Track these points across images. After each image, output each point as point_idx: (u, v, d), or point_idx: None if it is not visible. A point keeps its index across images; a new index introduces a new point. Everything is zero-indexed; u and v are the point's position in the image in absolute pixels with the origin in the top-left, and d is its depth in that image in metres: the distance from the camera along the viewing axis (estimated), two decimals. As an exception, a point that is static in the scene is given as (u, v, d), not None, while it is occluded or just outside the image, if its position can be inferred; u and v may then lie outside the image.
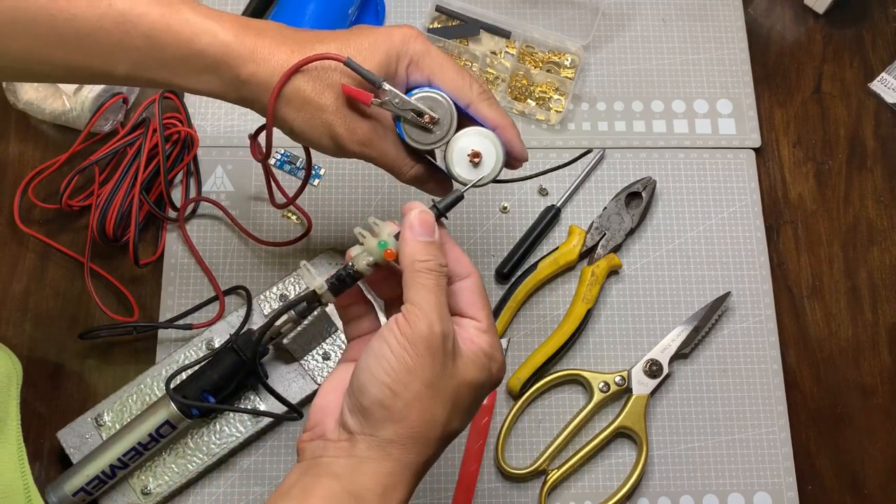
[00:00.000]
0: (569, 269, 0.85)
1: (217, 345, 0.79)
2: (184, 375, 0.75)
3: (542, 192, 0.87)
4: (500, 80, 0.90)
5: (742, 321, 0.84)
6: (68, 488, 0.72)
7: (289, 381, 0.78)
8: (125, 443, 0.73)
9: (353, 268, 0.57)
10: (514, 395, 0.81)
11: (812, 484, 0.80)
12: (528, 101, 0.89)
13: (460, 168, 0.63)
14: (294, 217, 0.85)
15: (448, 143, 0.63)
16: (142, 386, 0.77)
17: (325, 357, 0.79)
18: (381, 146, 0.63)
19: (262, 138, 0.68)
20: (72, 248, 0.82)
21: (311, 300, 0.59)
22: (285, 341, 0.77)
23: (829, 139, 0.91)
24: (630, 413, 0.79)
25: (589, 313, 0.82)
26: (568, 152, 0.88)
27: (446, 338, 0.54)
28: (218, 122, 0.88)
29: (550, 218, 0.85)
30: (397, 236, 0.57)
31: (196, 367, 0.75)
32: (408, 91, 0.63)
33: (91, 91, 0.83)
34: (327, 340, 0.79)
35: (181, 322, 0.80)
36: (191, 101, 0.87)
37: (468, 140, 0.62)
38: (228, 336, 0.78)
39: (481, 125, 0.63)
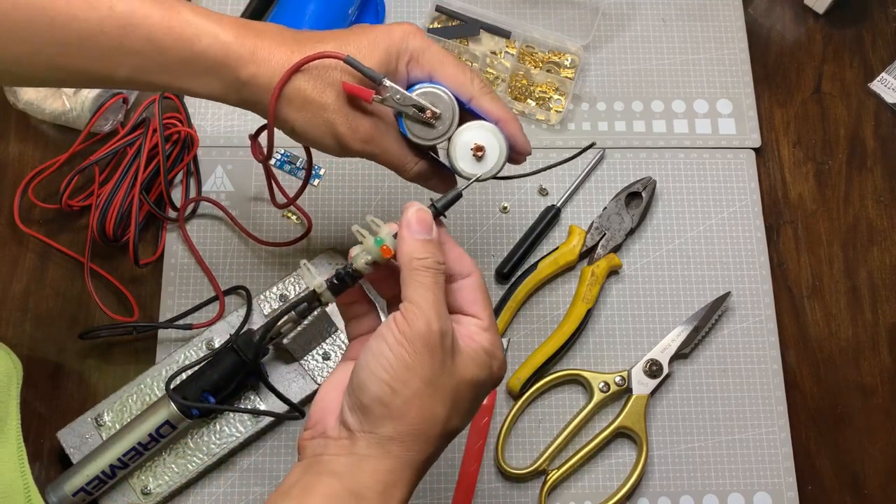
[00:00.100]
0: (569, 269, 0.85)
1: (217, 345, 0.79)
2: (184, 376, 0.75)
3: (542, 192, 0.87)
4: (500, 80, 0.90)
5: (742, 321, 0.84)
6: (68, 488, 0.72)
7: (289, 381, 0.78)
8: (125, 443, 0.73)
9: (352, 266, 0.57)
10: (514, 395, 0.81)
11: (812, 484, 0.80)
12: (528, 101, 0.89)
13: (464, 163, 0.63)
14: (294, 217, 0.85)
15: (451, 138, 0.63)
16: (142, 386, 0.77)
17: (325, 357, 0.79)
18: (384, 143, 0.63)
19: (262, 139, 0.68)
20: (72, 248, 0.82)
21: (312, 300, 0.59)
22: (285, 341, 0.77)
23: (829, 139, 0.91)
24: (630, 413, 0.79)
25: (589, 313, 0.82)
26: (568, 152, 0.88)
27: (444, 335, 0.54)
28: (218, 122, 0.88)
29: (550, 218, 0.85)
30: (396, 235, 0.57)
31: (196, 368, 0.75)
32: (409, 87, 0.62)
33: (91, 91, 0.83)
34: (327, 340, 0.79)
35: (181, 322, 0.80)
36: (191, 100, 0.87)
37: (471, 134, 0.62)
38: (228, 336, 0.78)
39: (483, 120, 0.63)
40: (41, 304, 0.82)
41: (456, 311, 0.58)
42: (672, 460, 0.80)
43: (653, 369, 0.81)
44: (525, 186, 0.87)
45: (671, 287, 0.85)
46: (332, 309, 0.79)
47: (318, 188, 0.86)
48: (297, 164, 0.86)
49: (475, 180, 0.62)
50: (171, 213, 0.83)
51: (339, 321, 0.80)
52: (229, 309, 0.81)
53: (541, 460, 0.78)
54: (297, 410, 0.67)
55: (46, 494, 0.72)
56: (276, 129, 0.64)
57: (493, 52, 0.91)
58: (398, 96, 0.61)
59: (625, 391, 0.81)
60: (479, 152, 0.62)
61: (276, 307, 0.80)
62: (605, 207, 0.86)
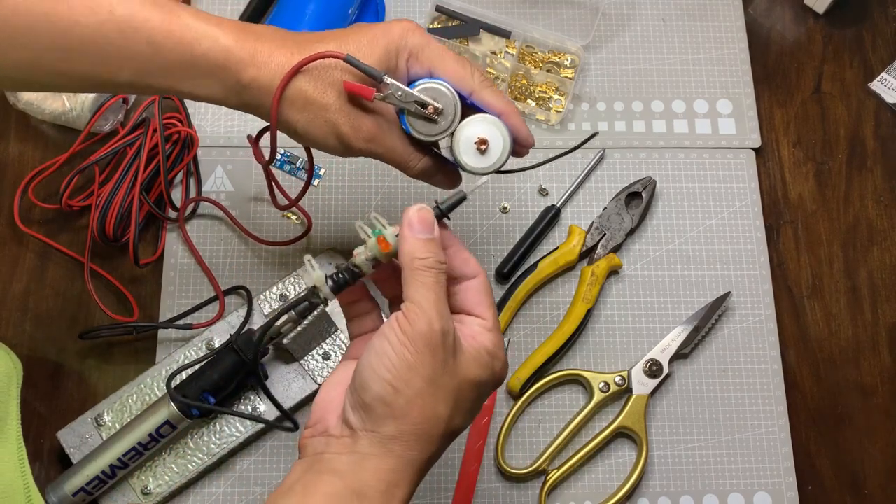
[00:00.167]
0: (569, 269, 0.85)
1: (217, 345, 0.79)
2: (184, 375, 0.75)
3: (542, 192, 0.87)
4: (500, 80, 0.90)
5: (742, 321, 0.84)
6: (68, 488, 0.72)
7: (289, 381, 0.78)
8: (125, 443, 0.73)
9: (352, 263, 0.57)
10: (514, 395, 0.81)
11: (812, 484, 0.80)
12: (528, 101, 0.89)
13: (468, 157, 0.63)
14: (294, 217, 0.85)
15: (453, 133, 0.63)
16: (142, 386, 0.77)
17: (325, 357, 0.79)
18: (387, 141, 0.63)
19: (263, 141, 0.68)
20: (72, 248, 0.82)
21: (312, 295, 0.58)
22: (285, 341, 0.77)
23: (829, 139, 0.91)
24: (630, 413, 0.79)
25: (589, 313, 0.82)
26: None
27: (446, 335, 0.54)
28: (218, 122, 0.88)
29: (550, 218, 0.85)
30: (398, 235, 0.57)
31: (196, 367, 0.75)
32: (409, 84, 0.62)
33: (91, 91, 0.83)
34: (327, 340, 0.79)
35: (181, 322, 0.80)
36: (191, 101, 0.87)
37: (474, 128, 0.62)
38: (228, 336, 0.78)
39: (485, 113, 0.63)
40: (41, 304, 0.82)
41: (460, 311, 0.58)
42: (672, 460, 0.80)
43: (653, 369, 0.81)
44: (525, 186, 0.87)
45: (671, 287, 0.85)
46: (332, 309, 0.79)
47: (318, 188, 0.86)
48: (297, 164, 0.86)
49: (483, 172, 0.62)
50: (171, 213, 0.83)
51: (340, 321, 0.80)
52: (229, 309, 0.81)
53: (541, 460, 0.78)
54: (290, 420, 0.67)
55: (46, 494, 0.72)
56: (278, 131, 0.64)
57: (493, 52, 0.91)
58: (399, 93, 0.61)
59: (625, 391, 0.81)
60: (482, 146, 0.62)
61: (276, 307, 0.80)
62: (605, 207, 0.86)
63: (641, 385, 0.80)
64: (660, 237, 0.86)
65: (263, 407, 0.77)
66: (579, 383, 0.82)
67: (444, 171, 0.67)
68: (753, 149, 0.90)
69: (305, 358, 0.79)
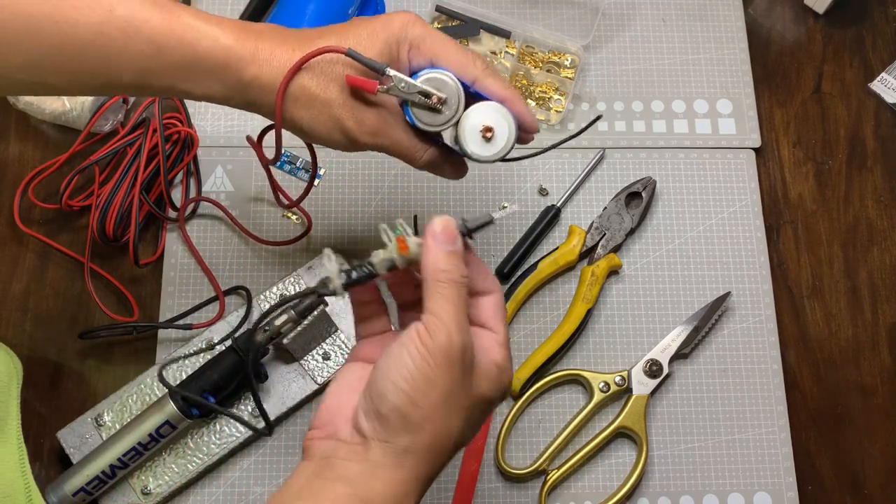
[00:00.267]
0: (569, 269, 0.85)
1: (219, 347, 0.79)
2: (183, 374, 0.75)
3: (542, 192, 0.87)
4: (500, 80, 0.90)
5: (742, 321, 0.84)
6: (68, 488, 0.72)
7: (289, 381, 0.78)
8: (125, 443, 0.73)
9: (368, 262, 0.56)
10: (514, 395, 0.81)
11: (812, 484, 0.80)
12: (528, 101, 0.89)
13: (474, 145, 0.63)
14: (294, 217, 0.85)
15: (458, 122, 0.62)
16: (142, 386, 0.77)
17: (325, 357, 0.79)
18: (392, 134, 0.63)
19: (266, 140, 0.68)
20: (72, 248, 0.82)
21: (321, 286, 0.57)
22: (285, 341, 0.77)
23: (829, 139, 0.91)
24: (630, 413, 0.79)
25: (589, 313, 0.82)
26: (568, 152, 0.88)
27: (465, 350, 0.53)
28: (218, 122, 0.88)
29: (550, 218, 0.85)
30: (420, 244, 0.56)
31: (196, 367, 0.75)
32: (412, 75, 0.62)
33: (91, 91, 0.83)
34: (327, 340, 0.79)
35: (181, 322, 0.80)
36: (191, 101, 0.87)
37: (478, 116, 0.62)
38: (228, 336, 0.78)
39: (489, 101, 0.63)
40: (41, 304, 0.82)
41: (474, 324, 0.57)
42: (672, 460, 0.80)
43: (653, 369, 0.81)
44: (525, 186, 0.87)
45: (671, 287, 0.85)
46: (332, 309, 0.79)
47: (319, 188, 0.86)
48: (297, 164, 0.86)
49: (487, 161, 0.61)
50: (171, 213, 0.83)
51: (340, 321, 0.80)
52: (229, 309, 0.81)
53: (541, 460, 0.78)
54: (268, 426, 0.67)
55: (46, 494, 0.72)
56: (284, 130, 0.63)
57: (493, 52, 0.91)
58: (402, 84, 0.61)
59: (625, 391, 0.81)
60: (488, 133, 0.62)
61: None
62: (605, 207, 0.86)
63: (641, 385, 0.80)
64: (660, 237, 0.86)
65: (266, 407, 0.77)
66: (579, 383, 0.82)
67: (451, 161, 0.67)
68: (753, 149, 0.90)
69: (305, 358, 0.79)
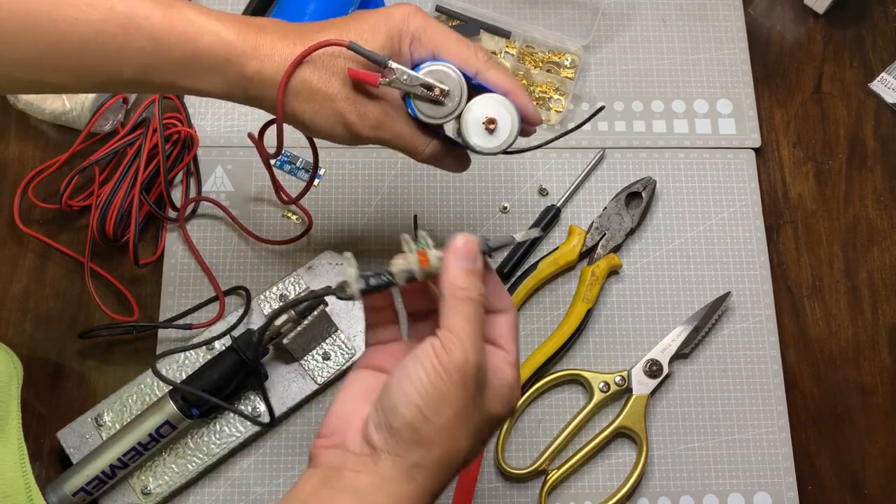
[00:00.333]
0: (569, 269, 0.85)
1: (217, 345, 0.79)
2: (184, 374, 0.75)
3: (542, 192, 0.87)
4: (500, 80, 0.90)
5: (742, 321, 0.84)
6: (68, 488, 0.72)
7: (289, 381, 0.78)
8: (125, 443, 0.73)
9: (388, 270, 0.56)
10: (514, 395, 0.80)
11: (812, 484, 0.80)
12: (528, 101, 0.89)
13: (477, 137, 0.62)
14: (294, 217, 0.85)
15: (461, 114, 0.62)
16: (142, 386, 0.77)
17: (325, 357, 0.79)
18: (395, 127, 0.63)
19: (267, 141, 0.68)
20: (72, 248, 0.82)
21: (339, 290, 0.56)
22: (285, 341, 0.77)
23: (829, 139, 0.91)
24: (630, 413, 0.79)
25: (589, 313, 0.82)
26: (568, 152, 0.88)
27: (479, 369, 0.53)
28: (218, 122, 0.88)
29: (550, 218, 0.85)
30: (441, 258, 0.55)
31: (196, 367, 0.75)
32: (414, 68, 0.62)
33: (91, 91, 0.83)
34: (327, 340, 0.79)
35: (181, 322, 0.80)
36: (191, 101, 0.87)
37: (481, 108, 0.62)
38: (228, 336, 0.78)
39: (491, 92, 0.62)
40: (41, 304, 0.82)
41: (487, 341, 0.57)
42: (672, 460, 0.80)
43: (653, 369, 0.81)
44: (525, 186, 0.87)
45: (671, 287, 0.85)
46: (332, 309, 0.79)
47: (318, 188, 0.86)
48: (297, 164, 0.86)
49: (490, 153, 0.61)
50: (171, 213, 0.83)
51: (340, 321, 0.80)
52: (229, 309, 0.81)
53: (541, 460, 0.78)
54: (273, 420, 0.66)
55: (46, 494, 0.72)
56: (285, 125, 0.63)
57: (493, 52, 0.91)
58: (405, 77, 0.61)
59: (625, 391, 0.81)
60: (490, 125, 0.62)
61: (275, 307, 0.80)
62: (605, 207, 0.86)
63: (641, 385, 0.80)
64: (660, 237, 0.86)
65: (263, 407, 0.77)
66: (579, 383, 0.82)
67: (453, 153, 0.67)
68: (753, 149, 0.90)
69: (305, 358, 0.79)
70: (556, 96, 0.90)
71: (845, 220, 0.88)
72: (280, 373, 0.78)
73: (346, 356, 0.79)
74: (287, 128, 0.64)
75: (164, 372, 0.78)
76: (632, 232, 0.85)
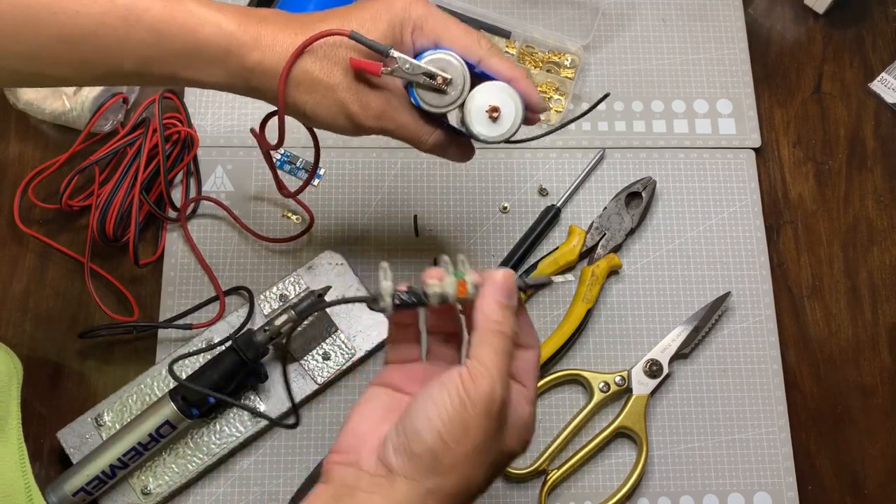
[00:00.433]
0: (569, 269, 0.85)
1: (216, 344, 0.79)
2: (183, 374, 0.75)
3: (542, 192, 0.87)
4: (500, 80, 0.90)
5: (742, 321, 0.84)
6: (68, 488, 0.72)
7: (289, 381, 0.78)
8: (125, 443, 0.73)
9: (423, 290, 0.55)
10: (514, 395, 0.80)
11: (812, 484, 0.80)
12: (528, 101, 0.89)
13: (481, 126, 0.62)
14: (294, 217, 0.85)
15: (464, 103, 0.62)
16: (142, 386, 0.77)
17: (325, 357, 0.79)
18: (398, 117, 0.63)
19: (269, 129, 0.68)
20: (72, 248, 0.82)
21: (372, 302, 0.55)
22: (285, 341, 0.77)
23: (829, 139, 0.91)
24: (630, 413, 0.79)
25: (589, 313, 0.82)
26: (568, 152, 0.88)
27: (504, 405, 0.53)
28: (218, 122, 0.88)
29: (550, 218, 0.85)
30: (477, 286, 0.55)
31: (200, 360, 0.75)
32: (416, 56, 0.62)
33: (91, 91, 0.83)
34: (327, 340, 0.79)
35: (181, 322, 0.80)
36: (191, 101, 0.87)
37: (484, 96, 0.62)
38: (229, 336, 0.78)
39: (495, 81, 0.62)
40: (41, 304, 0.82)
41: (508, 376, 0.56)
42: (672, 460, 0.80)
43: (653, 369, 0.81)
44: (525, 186, 0.87)
45: (671, 287, 0.85)
46: (332, 309, 0.79)
47: (318, 188, 0.86)
48: (297, 164, 0.86)
49: (494, 141, 0.61)
50: (171, 213, 0.83)
51: (340, 321, 0.80)
52: (229, 309, 0.81)
53: (541, 460, 0.78)
54: (296, 416, 0.66)
55: (46, 494, 0.72)
56: (287, 117, 0.63)
57: (493, 52, 0.91)
58: (407, 66, 0.60)
59: (625, 391, 0.81)
60: (494, 113, 0.62)
61: (276, 307, 0.80)
62: (605, 207, 0.86)
63: (641, 385, 0.80)
64: (660, 237, 0.86)
65: (263, 408, 0.77)
66: (579, 383, 0.82)
67: (457, 143, 0.66)
68: (753, 149, 0.90)
69: (305, 358, 0.79)
70: (556, 96, 0.90)
71: (845, 220, 0.88)
72: (280, 373, 0.78)
73: (346, 356, 0.79)
74: (287, 125, 0.64)
75: (163, 373, 0.78)
76: (632, 232, 0.85)
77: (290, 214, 0.85)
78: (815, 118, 0.92)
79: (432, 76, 0.61)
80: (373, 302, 0.55)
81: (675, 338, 0.82)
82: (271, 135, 0.68)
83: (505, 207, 0.87)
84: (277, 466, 0.78)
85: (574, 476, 0.79)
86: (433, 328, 0.60)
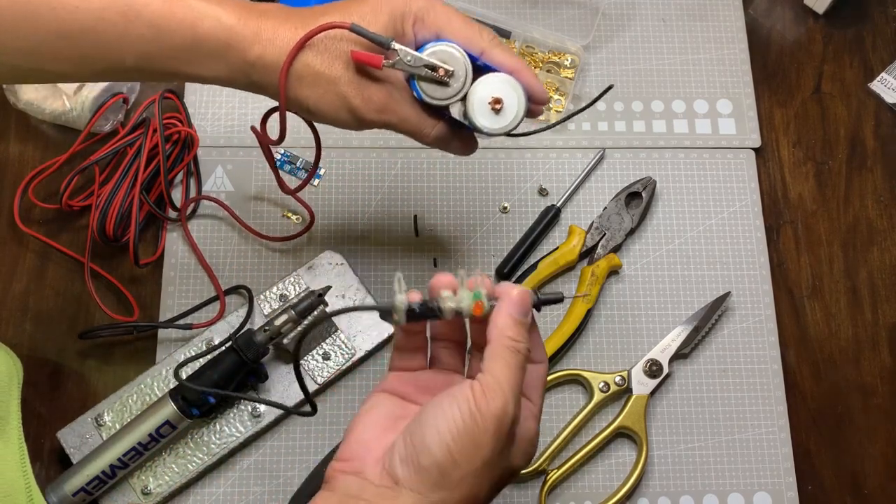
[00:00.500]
0: (569, 269, 0.85)
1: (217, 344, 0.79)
2: (183, 374, 0.75)
3: (542, 192, 0.87)
4: (500, 80, 0.90)
5: (742, 321, 0.84)
6: (68, 488, 0.72)
7: (289, 381, 0.78)
8: (125, 443, 0.73)
9: (437, 304, 0.54)
10: (514, 395, 0.80)
11: (812, 484, 0.80)
12: (528, 101, 0.89)
13: (483, 118, 0.62)
14: (294, 217, 0.85)
15: (466, 95, 0.62)
16: (142, 386, 0.77)
17: (325, 357, 0.79)
18: (400, 110, 0.62)
19: (270, 124, 0.67)
20: (72, 248, 0.82)
21: (385, 312, 0.55)
22: (285, 341, 0.77)
23: (829, 139, 0.91)
24: (630, 413, 0.79)
25: (589, 313, 0.82)
26: (568, 152, 0.88)
27: (514, 422, 0.53)
28: (218, 122, 0.88)
29: (550, 218, 0.85)
30: (490, 300, 0.55)
31: (201, 361, 0.75)
32: (418, 49, 0.62)
33: (91, 91, 0.83)
34: (327, 340, 0.79)
35: (181, 322, 0.80)
36: (191, 100, 0.87)
37: (487, 88, 0.61)
38: (229, 336, 0.78)
39: (497, 72, 0.62)
40: (41, 304, 0.82)
41: None
42: (672, 460, 0.80)
43: (653, 369, 0.81)
44: (525, 186, 0.87)
45: (671, 287, 0.85)
46: (332, 309, 0.79)
47: (318, 188, 0.86)
48: (297, 164, 0.86)
49: (497, 133, 0.60)
50: (171, 213, 0.83)
51: (339, 321, 0.80)
52: (229, 309, 0.81)
53: (541, 460, 0.78)
54: (312, 406, 0.65)
55: (47, 494, 0.72)
56: (289, 112, 0.63)
57: (493, 52, 0.91)
58: (408, 58, 0.60)
59: (625, 391, 0.81)
60: (497, 105, 0.61)
61: (276, 307, 0.80)
62: (605, 207, 0.86)
63: (641, 385, 0.80)
64: (660, 237, 0.86)
65: (262, 408, 0.77)
66: (579, 383, 0.82)
67: (460, 136, 0.66)
68: (753, 149, 0.90)
69: (305, 358, 0.79)
70: (556, 96, 0.90)
71: (845, 220, 0.88)
72: (280, 373, 0.78)
73: (346, 356, 0.79)
74: (288, 123, 0.64)
75: (163, 372, 0.78)
76: (632, 232, 0.85)
77: (290, 214, 0.85)
78: (815, 118, 0.92)
79: (434, 68, 0.61)
80: (385, 313, 0.55)
81: (675, 338, 0.82)
82: (272, 134, 0.68)
83: (505, 207, 0.87)
84: (277, 466, 0.78)
85: (574, 476, 0.79)
86: (439, 336, 0.60)
